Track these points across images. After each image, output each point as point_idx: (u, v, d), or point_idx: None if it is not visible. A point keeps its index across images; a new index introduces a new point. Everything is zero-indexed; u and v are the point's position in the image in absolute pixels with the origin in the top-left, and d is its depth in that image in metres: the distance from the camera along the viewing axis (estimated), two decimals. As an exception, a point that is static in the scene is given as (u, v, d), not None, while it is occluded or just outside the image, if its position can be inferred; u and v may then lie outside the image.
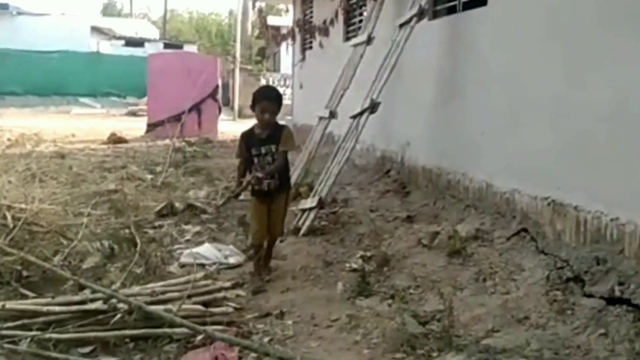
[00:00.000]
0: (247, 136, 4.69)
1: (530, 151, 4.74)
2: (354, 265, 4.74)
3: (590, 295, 3.72)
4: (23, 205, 4.80)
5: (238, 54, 26.88)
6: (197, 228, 6.18)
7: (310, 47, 13.41)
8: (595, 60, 4.08)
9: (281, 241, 5.05)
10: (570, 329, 3.47)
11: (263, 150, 4.53)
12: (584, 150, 4.15)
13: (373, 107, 6.39)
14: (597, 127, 4.02)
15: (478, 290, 4.12)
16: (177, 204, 6.67)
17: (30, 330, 3.46)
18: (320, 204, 5.96)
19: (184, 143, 12.54)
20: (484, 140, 5.47)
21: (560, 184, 4.33)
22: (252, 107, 4.60)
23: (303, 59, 14.23)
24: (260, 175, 4.41)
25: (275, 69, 31.41)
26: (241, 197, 4.91)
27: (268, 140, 4.53)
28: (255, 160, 4.56)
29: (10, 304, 3.67)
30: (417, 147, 6.94)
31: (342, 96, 7.77)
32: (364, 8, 9.47)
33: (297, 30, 14.47)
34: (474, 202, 5.48)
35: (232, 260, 5.10)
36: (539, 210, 4.52)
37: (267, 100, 4.54)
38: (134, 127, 16.71)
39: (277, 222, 4.70)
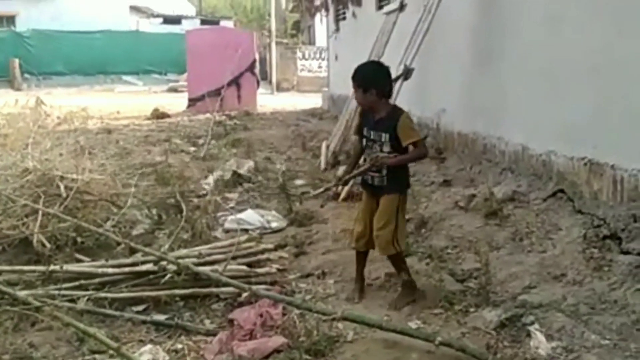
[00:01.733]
0: (365, 113, 3.83)
1: (566, 112, 4.74)
2: (393, 228, 4.83)
3: (627, 252, 3.75)
4: (74, 176, 5.02)
5: (273, 28, 26.89)
6: (241, 196, 6.37)
7: (344, 18, 13.39)
8: (634, 17, 4.03)
9: (322, 206, 5.05)
10: (607, 284, 3.52)
11: (372, 135, 3.70)
12: (619, 109, 4.13)
13: (407, 74, 6.41)
14: (633, 86, 4.00)
15: (515, 250, 4.20)
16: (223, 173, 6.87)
17: (87, 290, 3.69)
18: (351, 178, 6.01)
19: (224, 116, 12.76)
20: (519, 103, 5.47)
21: (596, 144, 4.34)
22: None
23: (337, 30, 14.22)
24: (378, 156, 3.63)
25: (311, 41, 31.31)
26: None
27: (378, 125, 3.67)
28: (364, 143, 3.79)
29: (67, 266, 3.91)
30: (452, 112, 6.96)
31: (377, 64, 7.78)
32: (397, -25, 9.41)
33: (330, 1, 14.43)
34: (510, 165, 5.50)
35: (274, 225, 5.27)
36: (575, 170, 4.54)
37: (352, 79, 3.76)
38: (176, 103, 17.00)
39: (376, 228, 3.68)
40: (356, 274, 3.90)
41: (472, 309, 3.44)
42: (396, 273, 3.80)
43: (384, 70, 3.82)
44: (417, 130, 3.71)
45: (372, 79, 3.70)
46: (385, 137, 3.62)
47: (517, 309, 3.32)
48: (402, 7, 7.70)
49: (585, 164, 4.42)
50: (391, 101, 3.87)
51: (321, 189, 4.63)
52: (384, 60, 7.59)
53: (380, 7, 10.05)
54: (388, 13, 8.18)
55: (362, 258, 3.89)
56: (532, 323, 3.16)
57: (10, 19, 32.46)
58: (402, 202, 3.74)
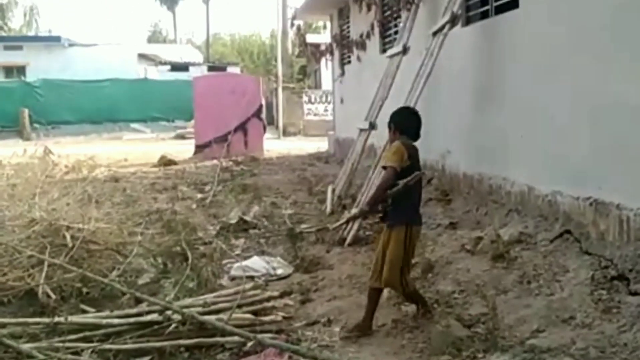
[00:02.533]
0: None
1: (570, 152, 4.75)
2: (399, 273, 4.80)
3: (635, 293, 3.72)
4: (81, 225, 5.06)
5: (280, 73, 27.25)
6: (246, 242, 6.37)
7: (349, 62, 13.57)
8: (632, 58, 4.08)
9: (327, 251, 5.08)
10: (616, 327, 3.47)
11: None
12: (623, 148, 4.15)
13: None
14: (635, 125, 4.02)
15: (522, 293, 4.15)
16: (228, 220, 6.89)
17: (92, 342, 3.66)
18: (364, 215, 6.04)
19: (231, 162, 12.84)
20: (523, 144, 5.49)
21: (601, 184, 4.34)
22: None
23: (342, 73, 14.40)
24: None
25: (317, 85, 31.67)
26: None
27: None
28: None
29: (72, 318, 3.89)
30: (457, 154, 6.99)
31: (381, 107, 7.87)
32: (398, 20, 9.58)
33: (335, 45, 14.65)
34: (516, 206, 5.49)
35: (280, 272, 5.26)
36: (581, 211, 4.52)
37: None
38: (183, 150, 17.13)
39: (386, 261, 3.79)
40: (365, 314, 3.89)
41: (480, 355, 3.38)
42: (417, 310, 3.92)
43: (407, 111, 4.29)
44: (395, 157, 3.79)
45: (392, 116, 4.11)
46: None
47: (525, 354, 3.27)
48: (405, 51, 7.82)
49: (591, 204, 4.41)
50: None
51: (338, 223, 4.76)
52: (389, 103, 7.72)
53: (384, 51, 10.20)
54: (391, 56, 8.29)
55: (375, 296, 3.91)
56: (542, 369, 3.11)
57: (21, 69, 33.16)
58: (411, 235, 3.82)
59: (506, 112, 5.81)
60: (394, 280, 3.79)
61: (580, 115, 4.64)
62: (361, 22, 11.74)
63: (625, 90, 4.11)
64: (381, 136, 7.29)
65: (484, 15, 6.46)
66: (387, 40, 10.39)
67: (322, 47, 16.78)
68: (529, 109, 5.39)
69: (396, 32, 9.47)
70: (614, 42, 4.27)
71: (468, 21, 6.83)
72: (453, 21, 6.48)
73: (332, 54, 15.25)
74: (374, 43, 11.02)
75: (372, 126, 7.85)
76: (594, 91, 4.46)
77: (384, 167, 3.84)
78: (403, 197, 3.77)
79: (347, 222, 4.22)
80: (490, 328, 3.60)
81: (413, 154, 3.88)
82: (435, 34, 6.76)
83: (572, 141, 4.75)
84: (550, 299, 3.95)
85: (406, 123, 4.05)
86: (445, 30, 6.49)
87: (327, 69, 18.73)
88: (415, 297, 3.98)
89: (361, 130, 8.15)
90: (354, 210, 4.62)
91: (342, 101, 14.66)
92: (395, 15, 9.89)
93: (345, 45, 13.88)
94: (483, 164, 6.28)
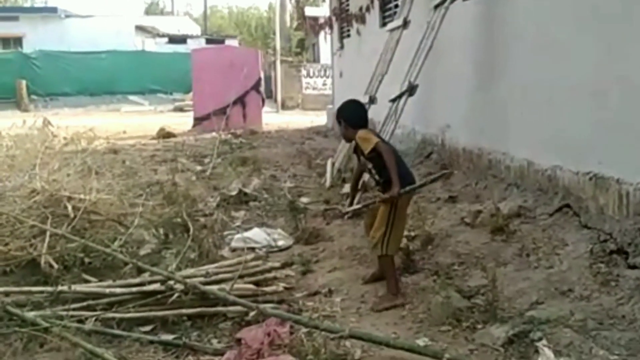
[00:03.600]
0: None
1: (570, 127, 4.76)
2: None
3: (634, 267, 3.75)
4: (82, 196, 5.07)
5: (278, 46, 27.10)
6: (247, 214, 6.39)
7: (348, 36, 13.49)
8: (635, 33, 4.06)
9: (327, 224, 5.13)
10: (615, 299, 3.51)
11: (362, 160, 4.29)
12: (623, 122, 4.15)
13: (411, 90, 6.45)
14: (636, 100, 4.02)
15: (521, 265, 4.18)
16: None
17: (95, 310, 3.70)
18: (363, 188, 6.06)
19: (230, 135, 12.82)
20: (523, 119, 5.49)
21: (601, 158, 4.34)
22: None
23: (341, 47, 14.32)
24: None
25: (315, 59, 31.53)
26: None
27: (357, 153, 4.32)
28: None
29: (75, 287, 3.93)
30: (457, 129, 6.99)
31: (380, 82, 7.84)
32: (400, -7, 9.50)
33: (334, 19, 14.56)
34: (515, 181, 5.51)
35: (280, 243, 5.29)
36: (581, 185, 4.54)
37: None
38: (182, 122, 17.11)
39: (373, 230, 4.10)
40: (387, 282, 4.07)
41: (479, 326, 3.43)
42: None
43: (352, 104, 4.46)
44: (370, 137, 4.06)
45: (339, 112, 4.36)
46: (365, 161, 4.14)
47: (524, 325, 3.30)
48: (405, 24, 7.76)
49: (591, 179, 4.42)
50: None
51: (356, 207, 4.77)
52: (389, 77, 7.70)
53: (384, 25, 10.13)
54: (392, 30, 8.24)
55: (386, 263, 4.09)
56: (540, 339, 3.14)
57: (17, 41, 32.95)
58: (398, 207, 4.01)
59: (507, 87, 5.80)
60: (377, 241, 4.00)
61: (581, 90, 4.63)
62: (361, -6, 11.65)
63: (626, 66, 4.10)
64: (381, 110, 7.30)
65: (486, -12, 6.40)
66: (387, 13, 10.31)
67: (321, 21, 16.69)
68: (529, 84, 5.37)
69: (396, 6, 9.40)
70: (617, 18, 4.25)
71: (469, -6, 6.77)
72: (454, -6, 6.44)
73: (331, 27, 15.17)
74: (373, 16, 10.95)
75: (372, 100, 7.83)
76: (595, 66, 4.45)
77: (370, 153, 4.01)
78: (384, 175, 4.05)
79: (368, 205, 4.34)
80: (489, 299, 3.62)
81: (382, 137, 4.20)
82: (436, 7, 6.71)
83: (572, 116, 4.74)
84: (549, 271, 3.98)
85: (355, 116, 4.32)
86: (446, 4, 6.44)
87: (325, 43, 18.60)
88: (391, 267, 4.07)
89: (361, 103, 8.13)
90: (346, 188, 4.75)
91: (341, 75, 14.61)
92: (396, -12, 9.80)
93: (344, 19, 13.79)
94: (483, 138, 6.29)
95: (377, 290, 4.08)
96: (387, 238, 3.97)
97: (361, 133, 4.11)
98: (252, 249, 5.12)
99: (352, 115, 4.33)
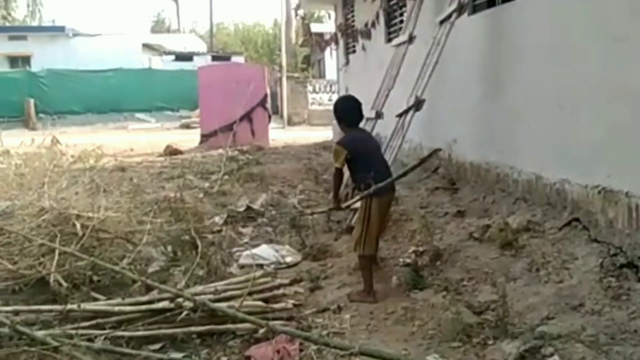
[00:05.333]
0: None
1: (578, 140, 4.75)
2: (407, 260, 4.85)
3: (645, 281, 3.72)
4: (90, 214, 5.08)
5: (284, 63, 27.19)
6: (254, 231, 6.39)
7: (354, 51, 13.54)
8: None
9: (335, 239, 5.15)
10: (626, 314, 3.49)
11: None
12: (632, 135, 4.14)
13: (418, 105, 6.45)
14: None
15: (531, 280, 4.16)
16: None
17: (104, 329, 3.71)
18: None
19: (237, 152, 12.84)
20: (530, 133, 5.49)
21: (610, 172, 4.33)
22: None
23: (347, 63, 14.37)
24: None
25: (321, 75, 31.66)
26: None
27: None
28: None
29: (84, 305, 3.93)
30: (464, 143, 6.99)
31: (387, 96, 7.85)
32: (404, 8, 9.55)
33: (339, 35, 14.64)
34: (523, 195, 5.49)
35: (289, 260, 5.28)
36: (590, 199, 4.52)
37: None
38: (188, 139, 17.14)
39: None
40: (364, 282, 4.39)
41: (490, 342, 3.41)
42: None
43: (342, 103, 4.82)
44: (335, 158, 4.46)
45: (334, 109, 4.71)
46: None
47: (535, 340, 3.28)
48: (411, 40, 7.79)
49: (600, 192, 4.40)
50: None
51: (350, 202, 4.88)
52: (395, 93, 7.72)
53: (389, 40, 10.17)
54: (397, 45, 8.27)
55: (364, 264, 4.45)
56: (552, 355, 3.12)
57: (26, 59, 33.24)
58: (371, 209, 4.29)
59: (513, 100, 5.80)
60: (355, 242, 4.40)
61: (588, 103, 4.63)
62: (366, 10, 11.71)
63: (635, 78, 4.09)
64: (387, 125, 7.31)
65: (491, 4, 6.43)
66: (392, 29, 10.35)
67: (327, 37, 16.77)
68: (536, 97, 5.38)
69: (402, 21, 9.44)
70: (625, 27, 4.25)
71: (475, 10, 6.80)
72: (460, 9, 6.46)
73: (336, 43, 15.24)
74: (379, 32, 10.99)
75: (379, 115, 7.84)
76: (603, 78, 4.44)
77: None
78: (357, 179, 4.40)
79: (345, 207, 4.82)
80: (500, 315, 3.61)
81: (357, 142, 4.46)
82: (441, 22, 6.74)
83: (580, 129, 4.74)
84: (559, 286, 3.96)
85: (345, 112, 4.63)
86: (452, 19, 6.47)
87: (331, 58, 18.68)
88: (367, 267, 4.39)
89: (367, 119, 8.13)
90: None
91: (347, 90, 14.63)
92: (400, 3, 9.85)
93: (349, 35, 13.87)
94: (490, 152, 6.28)
95: (386, 306, 4.05)
96: (363, 239, 4.32)
97: (334, 147, 4.49)
98: (261, 265, 5.11)
99: (341, 112, 4.65)
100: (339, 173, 4.48)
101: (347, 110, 4.64)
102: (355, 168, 4.41)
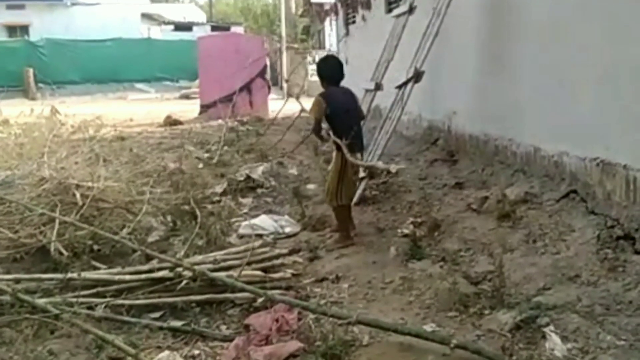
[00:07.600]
0: None
1: (577, 113, 4.73)
2: (406, 231, 4.86)
3: (641, 253, 3.75)
4: (90, 184, 5.09)
5: (284, 33, 26.95)
6: (254, 201, 6.41)
7: (354, 22, 13.43)
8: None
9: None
10: (622, 285, 3.51)
11: None
12: (631, 108, 4.12)
13: (417, 76, 6.41)
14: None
15: (528, 251, 4.19)
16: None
17: (104, 297, 3.75)
18: (370, 175, 6.07)
19: (236, 122, 12.80)
20: (530, 105, 5.47)
21: (608, 144, 4.32)
22: None
23: (347, 33, 14.26)
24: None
25: (321, 46, 31.39)
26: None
27: None
28: None
29: (85, 274, 3.97)
30: (463, 115, 6.97)
31: (386, 68, 7.80)
32: (405, -22, 9.42)
33: (339, 5, 14.49)
34: (522, 167, 5.50)
35: (288, 230, 5.31)
36: (587, 171, 4.53)
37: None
38: (188, 110, 17.09)
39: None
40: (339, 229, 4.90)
41: (486, 312, 3.44)
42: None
43: (325, 62, 5.17)
44: (313, 109, 4.82)
45: (318, 69, 5.10)
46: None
47: (532, 310, 3.31)
48: (411, 10, 7.71)
49: (598, 165, 4.40)
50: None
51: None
52: (395, 64, 7.67)
53: (389, 10, 10.08)
54: (397, 16, 8.19)
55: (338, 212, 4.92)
56: (547, 324, 3.16)
57: (24, 29, 32.90)
58: (346, 162, 4.58)
59: (513, 73, 5.76)
60: (330, 193, 4.80)
61: (588, 76, 4.60)
62: (367, -20, 11.58)
63: (633, 51, 4.07)
64: (387, 97, 7.28)
65: (493, -27, 6.35)
66: (392, -1, 10.26)
67: (327, 7, 16.61)
68: (537, 69, 5.34)
69: (403, -9, 9.34)
70: (623, 2, 4.21)
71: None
72: (461, -20, 6.39)
73: (336, 13, 15.11)
74: (379, 2, 10.89)
75: (378, 87, 7.80)
76: (602, 52, 4.41)
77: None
78: (334, 131, 4.75)
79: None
80: (496, 285, 3.64)
81: (337, 98, 4.80)
82: (443, -7, 6.67)
83: (579, 102, 4.72)
84: (556, 257, 3.99)
85: (326, 70, 4.98)
86: (453, -10, 6.40)
87: (331, 29, 18.57)
88: (343, 215, 4.86)
89: (367, 90, 8.10)
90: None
91: (346, 61, 14.51)
92: (402, -27, 9.73)
93: (349, 5, 13.72)
94: (489, 125, 6.27)
95: (384, 276, 4.09)
96: (340, 190, 4.71)
97: (315, 99, 4.84)
98: (260, 235, 5.14)
99: (322, 70, 5.01)
100: (317, 124, 4.87)
101: (328, 68, 4.98)
102: (333, 121, 4.77)
